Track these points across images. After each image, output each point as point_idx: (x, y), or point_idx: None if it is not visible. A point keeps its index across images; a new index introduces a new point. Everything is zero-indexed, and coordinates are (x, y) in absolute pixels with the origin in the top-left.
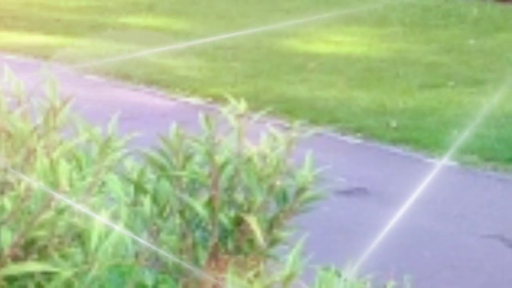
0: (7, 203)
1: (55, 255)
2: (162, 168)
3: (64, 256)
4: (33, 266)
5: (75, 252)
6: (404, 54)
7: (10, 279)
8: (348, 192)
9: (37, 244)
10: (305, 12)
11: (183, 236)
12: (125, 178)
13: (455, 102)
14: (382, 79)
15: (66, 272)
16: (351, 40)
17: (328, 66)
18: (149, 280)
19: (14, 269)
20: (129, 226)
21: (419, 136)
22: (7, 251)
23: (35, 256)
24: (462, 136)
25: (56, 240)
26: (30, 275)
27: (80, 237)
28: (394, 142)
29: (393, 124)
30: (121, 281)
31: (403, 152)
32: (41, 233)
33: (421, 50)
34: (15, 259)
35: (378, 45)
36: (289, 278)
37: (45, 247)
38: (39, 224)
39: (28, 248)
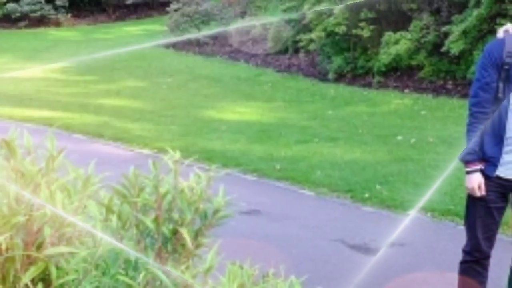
0: (48, 211)
1: (76, 242)
2: (124, 196)
3: (82, 243)
4: (63, 249)
5: (88, 240)
6: (285, 120)
7: (49, 257)
8: (248, 213)
9: (65, 235)
10: (217, 95)
11: (138, 242)
12: (100, 203)
13: (319, 153)
14: (270, 137)
15: (83, 252)
16: (250, 111)
17: (234, 128)
18: (132, 257)
19: (52, 250)
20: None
21: (295, 175)
22: (48, 240)
23: (65, 242)
24: (322, 176)
25: (77, 233)
26: (61, 254)
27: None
28: (279, 179)
29: (278, 167)
30: (115, 257)
31: (284, 186)
32: (68, 229)
33: (296, 117)
34: (52, 244)
35: (267, 114)
36: (209, 270)
37: (70, 237)
38: (67, 223)
39: (60, 238)
